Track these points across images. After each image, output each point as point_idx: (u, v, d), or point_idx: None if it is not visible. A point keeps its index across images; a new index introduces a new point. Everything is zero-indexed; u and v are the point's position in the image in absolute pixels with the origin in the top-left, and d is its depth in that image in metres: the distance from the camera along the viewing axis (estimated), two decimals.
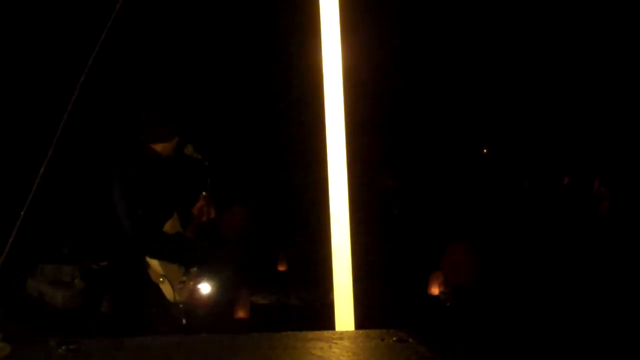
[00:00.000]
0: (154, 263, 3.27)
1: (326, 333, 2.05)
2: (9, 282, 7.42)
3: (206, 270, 3.74)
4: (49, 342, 1.92)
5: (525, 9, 12.33)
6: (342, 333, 2.09)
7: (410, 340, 1.92)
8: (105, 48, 2.26)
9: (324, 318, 2.42)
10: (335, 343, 1.92)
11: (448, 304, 7.67)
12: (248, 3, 11.05)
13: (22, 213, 2.15)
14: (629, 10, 11.15)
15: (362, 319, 2.14)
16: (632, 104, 12.20)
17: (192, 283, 3.53)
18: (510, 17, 12.58)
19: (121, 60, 9.15)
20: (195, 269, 3.59)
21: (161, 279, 3.28)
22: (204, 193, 3.67)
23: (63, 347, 1.86)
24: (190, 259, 3.46)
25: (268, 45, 11.60)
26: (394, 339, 1.93)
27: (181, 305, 3.38)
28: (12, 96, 9.48)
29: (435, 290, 8.20)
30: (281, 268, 10.50)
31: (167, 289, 3.29)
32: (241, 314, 7.17)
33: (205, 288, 3.76)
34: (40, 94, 9.47)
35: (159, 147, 3.48)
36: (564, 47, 12.75)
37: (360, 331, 2.10)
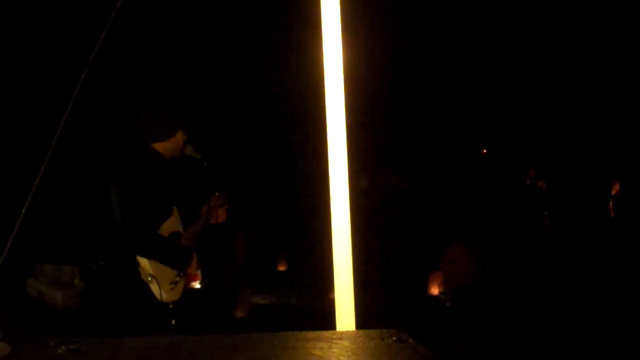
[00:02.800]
0: (143, 262, 3.27)
1: (326, 333, 2.05)
2: (9, 282, 7.42)
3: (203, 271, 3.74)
4: (48, 342, 1.91)
5: (525, 9, 12.33)
6: (342, 333, 2.08)
7: (410, 340, 1.92)
8: (105, 48, 2.26)
9: (324, 318, 2.42)
10: (335, 343, 1.92)
11: (448, 304, 7.68)
12: (249, 2, 11.05)
13: (23, 212, 2.15)
14: (629, 10, 11.15)
15: (363, 319, 2.14)
16: (632, 104, 12.19)
17: (186, 284, 3.53)
18: (510, 17, 12.58)
19: (123, 60, 9.15)
20: (198, 269, 3.59)
21: (149, 279, 3.27)
22: (217, 194, 3.66)
23: (63, 347, 1.86)
24: (181, 262, 3.45)
25: (268, 45, 11.60)
26: (394, 339, 1.93)
27: (171, 306, 3.37)
28: (12, 96, 9.48)
29: (435, 290, 8.21)
30: (281, 268, 10.50)
31: (155, 289, 3.29)
32: (241, 313, 7.18)
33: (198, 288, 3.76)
34: (40, 94, 9.47)
35: (159, 146, 3.48)
36: (564, 47, 12.75)
37: (360, 331, 2.10)
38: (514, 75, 13.24)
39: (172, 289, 3.38)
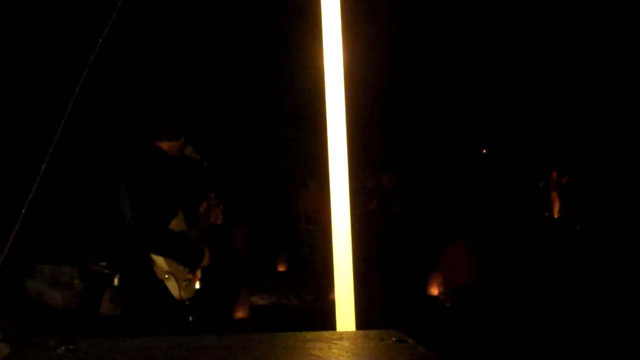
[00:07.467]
0: (159, 260, 3.27)
1: (326, 333, 2.05)
2: (9, 282, 7.42)
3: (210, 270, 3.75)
4: (48, 342, 1.92)
5: (525, 9, 12.33)
6: (341, 333, 2.09)
7: (410, 340, 1.92)
8: (110, 47, 2.26)
9: (324, 318, 2.42)
10: (335, 343, 1.92)
11: (447, 305, 7.67)
12: (251, 5, 11.06)
13: (22, 213, 2.15)
14: (628, 10, 11.15)
15: (363, 319, 2.14)
16: (632, 104, 12.20)
17: (197, 281, 3.55)
18: (510, 18, 12.58)
19: (126, 59, 9.16)
20: (200, 268, 3.60)
21: (166, 276, 3.28)
22: (212, 195, 3.67)
23: (62, 347, 1.87)
24: (195, 258, 3.46)
25: (269, 46, 11.61)
26: (394, 339, 1.93)
27: (187, 303, 3.38)
28: (12, 96, 9.48)
29: (434, 291, 8.20)
30: (280, 269, 10.50)
31: (172, 286, 3.29)
32: (241, 314, 7.17)
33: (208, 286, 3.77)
34: (41, 94, 9.47)
35: (165, 145, 3.46)
36: (563, 48, 12.75)
37: (360, 331, 2.10)
38: (515, 75, 13.25)
39: (186, 286, 3.39)
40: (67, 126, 2.26)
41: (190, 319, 3.36)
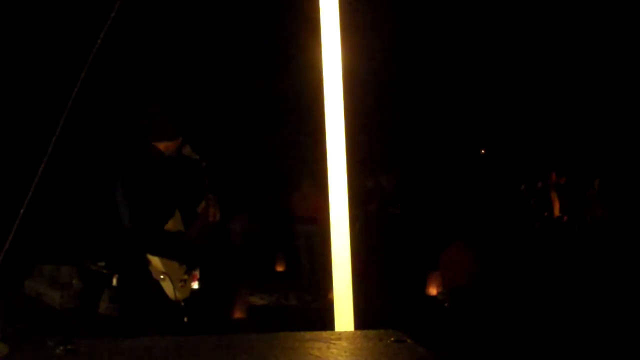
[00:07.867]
0: (154, 260, 3.27)
1: (324, 333, 2.05)
2: (8, 282, 7.42)
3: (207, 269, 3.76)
4: (46, 342, 1.92)
5: (525, 9, 12.34)
6: (340, 333, 2.09)
7: (409, 340, 1.92)
8: (108, 47, 2.26)
9: (322, 318, 2.42)
10: (334, 343, 1.92)
11: (446, 305, 7.68)
12: (250, 5, 11.06)
13: (21, 213, 2.15)
14: (628, 10, 11.16)
15: (361, 319, 2.14)
16: (631, 105, 12.21)
17: (195, 282, 3.56)
18: (510, 18, 12.59)
19: (124, 59, 9.16)
20: (197, 268, 3.60)
21: (162, 277, 3.28)
22: (211, 196, 3.68)
23: (61, 347, 1.87)
24: (191, 258, 3.46)
25: (267, 46, 11.61)
26: (392, 339, 1.93)
27: (182, 304, 3.38)
28: (11, 96, 9.48)
29: (433, 291, 8.21)
30: (279, 269, 10.50)
31: (167, 287, 3.29)
32: (240, 314, 7.18)
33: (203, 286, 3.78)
34: (40, 94, 9.46)
35: (162, 145, 3.47)
36: (562, 48, 12.76)
37: (359, 331, 2.10)
38: (513, 76, 13.25)
39: (182, 286, 3.39)
40: (66, 126, 2.26)
41: (186, 319, 3.36)
